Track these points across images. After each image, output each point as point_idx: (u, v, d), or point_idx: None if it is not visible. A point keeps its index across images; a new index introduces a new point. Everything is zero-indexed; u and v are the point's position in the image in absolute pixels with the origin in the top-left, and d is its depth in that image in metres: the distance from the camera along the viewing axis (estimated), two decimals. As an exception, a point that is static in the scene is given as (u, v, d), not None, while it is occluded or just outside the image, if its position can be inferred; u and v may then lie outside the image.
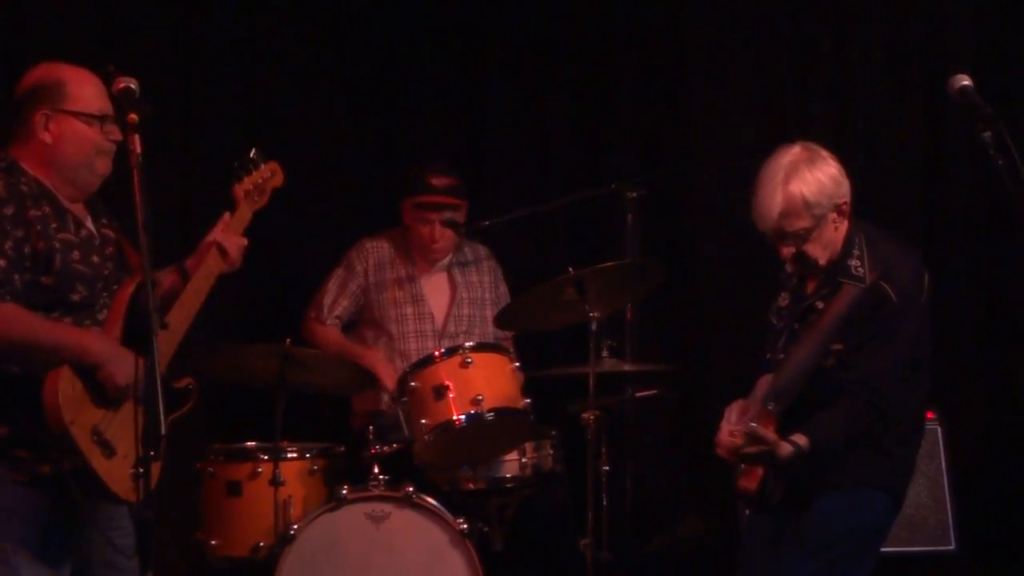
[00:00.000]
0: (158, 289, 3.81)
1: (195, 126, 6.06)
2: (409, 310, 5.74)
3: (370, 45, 6.51)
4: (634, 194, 5.63)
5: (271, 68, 6.28)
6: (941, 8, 6.18)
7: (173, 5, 6.12)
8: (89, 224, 3.92)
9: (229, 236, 4.13)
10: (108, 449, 3.73)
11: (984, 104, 3.66)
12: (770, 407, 4.10)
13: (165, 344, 3.79)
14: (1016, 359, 6.03)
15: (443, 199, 5.67)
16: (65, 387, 3.65)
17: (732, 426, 4.21)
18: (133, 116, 3.57)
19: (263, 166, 4.33)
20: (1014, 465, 5.93)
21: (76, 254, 3.80)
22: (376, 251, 5.79)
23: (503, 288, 5.92)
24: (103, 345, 3.76)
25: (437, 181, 5.67)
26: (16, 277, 3.68)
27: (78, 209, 3.90)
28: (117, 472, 3.74)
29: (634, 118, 6.51)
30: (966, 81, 3.77)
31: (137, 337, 3.71)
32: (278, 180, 4.37)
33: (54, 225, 3.78)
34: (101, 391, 3.73)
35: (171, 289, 4.01)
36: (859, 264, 4.11)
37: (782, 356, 4.20)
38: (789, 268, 4.24)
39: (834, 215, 4.12)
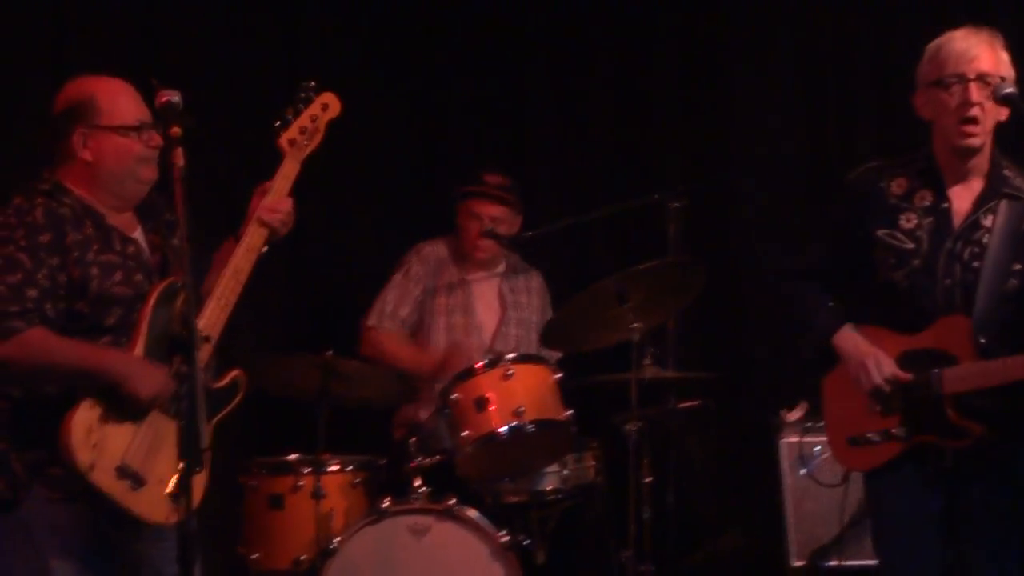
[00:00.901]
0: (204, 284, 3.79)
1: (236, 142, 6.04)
2: (459, 319, 5.75)
3: (413, 58, 6.52)
4: (677, 204, 5.62)
5: (314, 74, 6.28)
6: (985, 14, 6.12)
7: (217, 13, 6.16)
8: (138, 235, 3.89)
9: (265, 208, 3.99)
10: (136, 481, 3.69)
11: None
12: (982, 341, 3.84)
13: (210, 328, 3.78)
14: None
15: (491, 191, 5.73)
16: (78, 430, 3.60)
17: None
18: (176, 130, 3.51)
19: (314, 100, 4.17)
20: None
21: (118, 275, 3.77)
22: (434, 254, 5.82)
23: (550, 315, 5.89)
24: (121, 361, 3.70)
25: (490, 178, 5.77)
26: (48, 306, 3.67)
27: (125, 221, 3.88)
28: (149, 499, 3.71)
29: (676, 127, 6.49)
30: (1010, 88, 3.75)
31: (168, 344, 3.69)
32: (333, 111, 4.19)
33: (96, 247, 3.76)
34: (125, 410, 3.68)
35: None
36: (1013, 175, 3.96)
37: (948, 281, 3.92)
38: (971, 110, 3.88)
39: (1010, 92, 3.86)
